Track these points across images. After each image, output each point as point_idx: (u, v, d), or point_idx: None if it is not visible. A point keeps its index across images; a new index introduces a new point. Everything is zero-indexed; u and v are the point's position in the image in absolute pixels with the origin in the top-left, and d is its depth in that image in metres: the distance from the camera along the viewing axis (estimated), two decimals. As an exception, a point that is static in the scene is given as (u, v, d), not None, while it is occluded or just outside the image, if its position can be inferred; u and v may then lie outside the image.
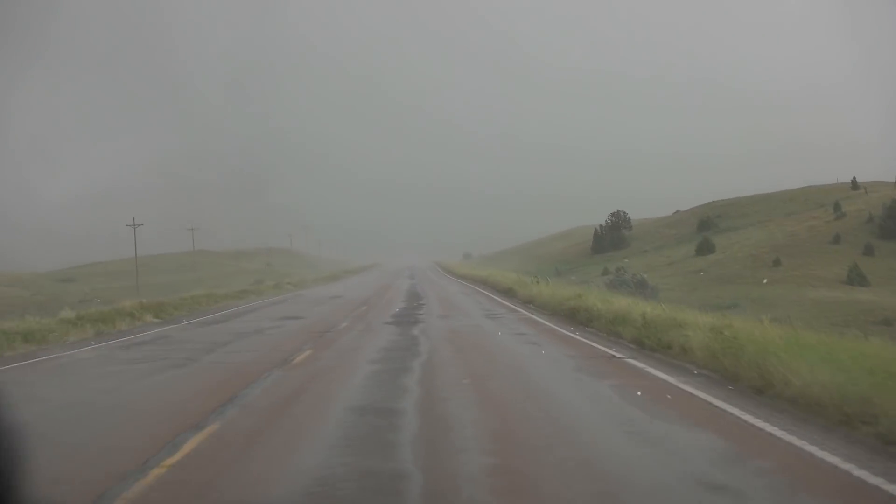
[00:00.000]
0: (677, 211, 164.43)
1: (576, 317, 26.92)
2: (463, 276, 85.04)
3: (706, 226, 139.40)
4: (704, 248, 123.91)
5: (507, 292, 45.59)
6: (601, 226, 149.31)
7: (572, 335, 22.01)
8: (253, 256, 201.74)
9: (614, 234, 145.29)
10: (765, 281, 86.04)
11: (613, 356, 17.06)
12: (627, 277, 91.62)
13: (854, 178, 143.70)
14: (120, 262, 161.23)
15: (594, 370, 15.04)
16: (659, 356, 16.91)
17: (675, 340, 17.27)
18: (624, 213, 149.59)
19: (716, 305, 72.74)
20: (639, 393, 12.32)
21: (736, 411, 10.85)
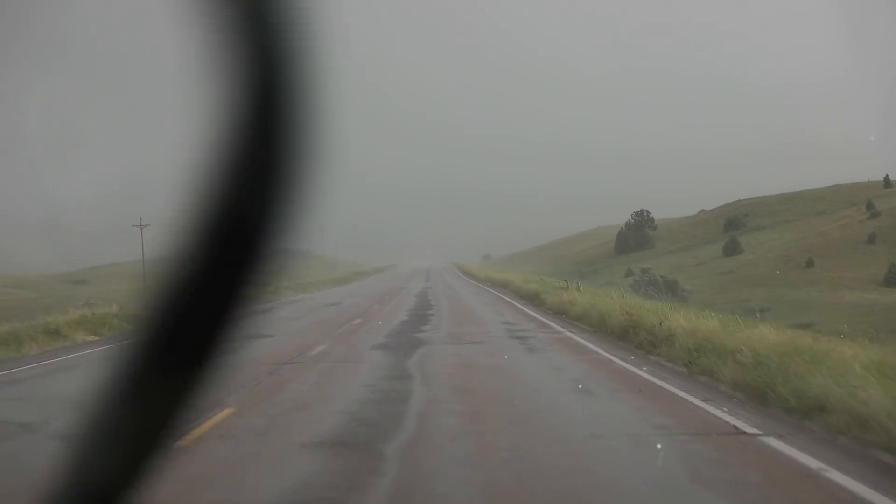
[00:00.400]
0: (702, 210, 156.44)
1: (630, 337, 19.50)
2: (482, 280, 77.50)
3: (733, 225, 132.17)
4: (732, 249, 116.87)
5: (533, 299, 38.13)
6: (625, 225, 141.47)
7: (640, 373, 14.52)
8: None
9: (638, 234, 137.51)
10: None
11: (737, 430, 9.56)
12: (657, 278, 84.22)
13: (887, 175, 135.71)
14: (134, 264, 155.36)
15: (729, 480, 7.49)
16: (811, 427, 9.52)
17: (833, 394, 9.80)
18: (648, 212, 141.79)
19: (748, 308, 65.76)
20: None
21: None
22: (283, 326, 27.05)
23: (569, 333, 22.68)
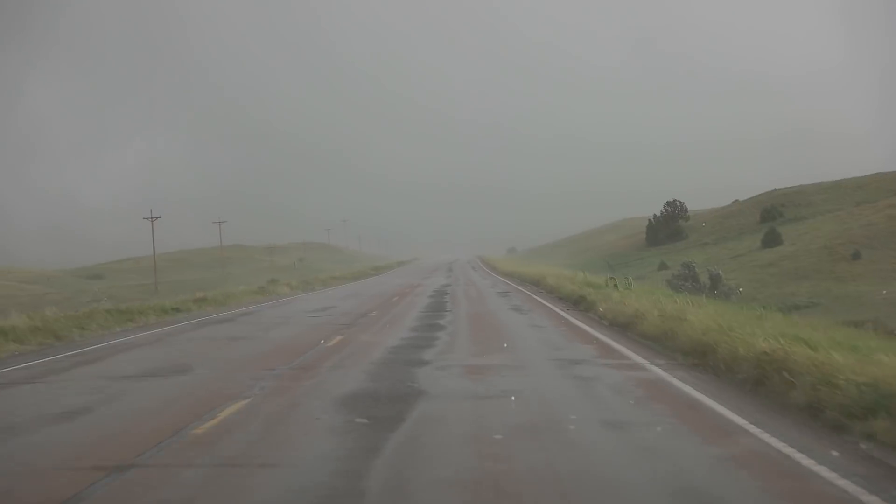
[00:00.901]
0: (736, 200, 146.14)
1: (775, 386, 10.68)
2: (508, 274, 68.31)
3: (771, 215, 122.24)
4: (771, 240, 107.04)
5: (578, 303, 29.20)
6: (655, 216, 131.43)
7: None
8: (287, 251, 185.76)
9: (670, 226, 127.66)
10: (884, 292, 67.71)
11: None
12: (698, 272, 74.90)
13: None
14: (149, 258, 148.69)
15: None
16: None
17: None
18: (680, 202, 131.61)
19: (792, 304, 56.76)
20: None
21: None
22: (224, 350, 18.28)
23: (657, 369, 13.82)
